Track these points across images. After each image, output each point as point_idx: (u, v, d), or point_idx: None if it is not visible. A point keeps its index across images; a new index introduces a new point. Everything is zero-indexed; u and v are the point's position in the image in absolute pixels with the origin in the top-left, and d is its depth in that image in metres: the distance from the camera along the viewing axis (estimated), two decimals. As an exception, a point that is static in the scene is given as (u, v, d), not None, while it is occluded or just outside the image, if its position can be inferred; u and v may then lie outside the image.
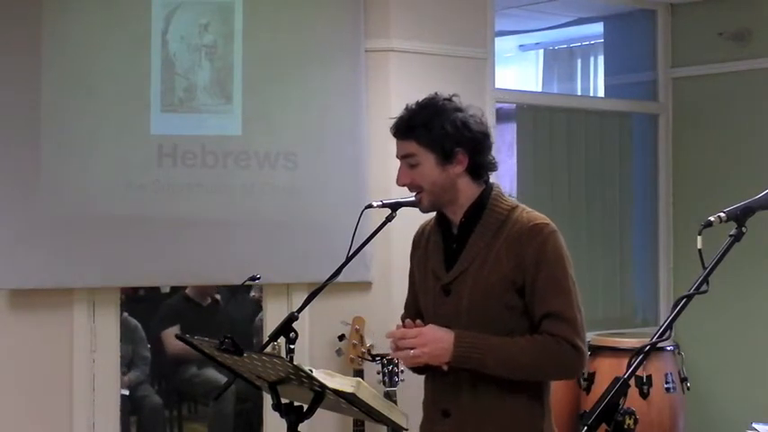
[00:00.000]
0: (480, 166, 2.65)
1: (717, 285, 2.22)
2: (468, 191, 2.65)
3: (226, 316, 6.62)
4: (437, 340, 2.54)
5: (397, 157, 2.67)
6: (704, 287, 2.09)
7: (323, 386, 2.30)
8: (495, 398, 2.60)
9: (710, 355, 5.65)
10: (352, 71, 4.70)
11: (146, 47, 4.45)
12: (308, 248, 4.54)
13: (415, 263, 2.81)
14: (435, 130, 2.58)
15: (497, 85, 5.28)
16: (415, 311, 2.78)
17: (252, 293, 6.62)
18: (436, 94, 2.66)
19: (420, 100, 2.64)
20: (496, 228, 2.61)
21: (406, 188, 2.70)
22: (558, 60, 6.97)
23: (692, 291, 2.08)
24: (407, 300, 2.88)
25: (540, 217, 2.63)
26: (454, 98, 2.65)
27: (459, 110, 2.62)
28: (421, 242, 2.80)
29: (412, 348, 2.55)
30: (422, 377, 2.78)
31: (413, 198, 2.79)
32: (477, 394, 2.60)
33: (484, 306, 2.58)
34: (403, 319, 2.80)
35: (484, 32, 5.16)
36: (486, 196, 2.66)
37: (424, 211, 2.70)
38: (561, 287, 2.56)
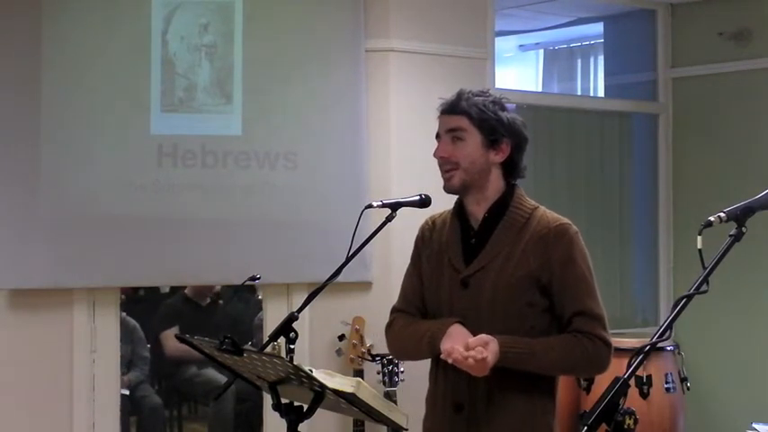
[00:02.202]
0: (515, 165, 2.72)
1: (717, 285, 2.22)
2: (496, 184, 2.70)
3: (225, 316, 6.62)
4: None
5: (440, 132, 2.71)
6: (704, 287, 2.09)
7: (323, 386, 2.30)
8: (511, 393, 2.62)
9: (710, 355, 5.65)
10: (352, 71, 4.70)
11: (146, 47, 4.45)
12: (308, 248, 4.54)
13: (425, 256, 2.79)
14: (489, 114, 2.66)
15: (497, 85, 5.27)
16: (416, 306, 2.77)
17: (258, 295, 6.59)
18: (489, 90, 2.76)
19: (475, 90, 2.72)
20: (520, 226, 2.65)
21: (439, 162, 2.71)
22: (558, 60, 6.96)
23: (692, 291, 2.09)
24: (407, 291, 2.83)
25: (562, 218, 2.70)
26: (503, 100, 2.75)
27: (508, 111, 2.72)
28: (433, 235, 2.79)
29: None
30: (421, 375, 2.78)
31: (413, 198, 2.80)
32: (494, 389, 2.62)
33: (507, 301, 2.61)
34: (395, 310, 2.81)
35: (484, 32, 5.16)
36: (510, 195, 2.71)
37: (450, 190, 2.70)
38: (589, 286, 2.65)
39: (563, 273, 2.62)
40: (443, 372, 2.71)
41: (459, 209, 2.75)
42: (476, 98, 2.68)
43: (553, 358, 2.58)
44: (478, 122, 2.65)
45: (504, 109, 2.70)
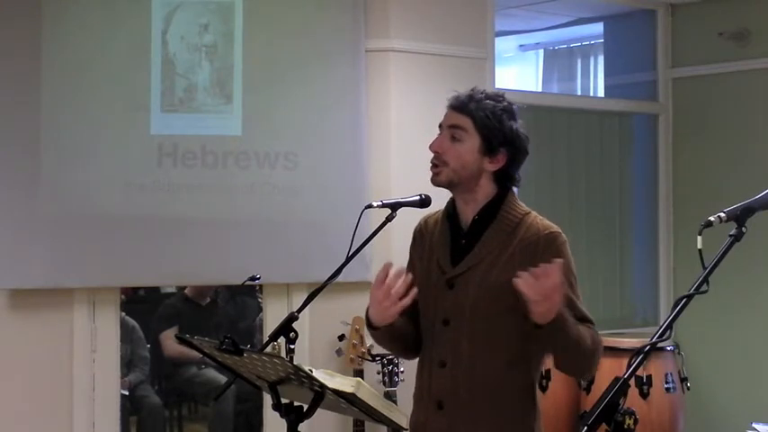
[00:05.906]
0: (508, 176, 2.70)
1: (717, 285, 2.22)
2: (486, 188, 2.68)
3: (225, 316, 6.62)
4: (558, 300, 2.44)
5: (442, 125, 2.70)
6: (704, 287, 2.09)
7: (323, 386, 2.30)
8: (490, 393, 2.62)
9: (710, 355, 5.65)
10: (352, 71, 4.70)
11: (146, 47, 4.46)
12: (308, 248, 4.54)
13: (416, 255, 2.80)
14: (494, 122, 2.64)
15: (497, 85, 5.27)
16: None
17: (258, 295, 6.58)
18: (504, 95, 2.72)
19: (490, 92, 2.70)
20: (510, 230, 2.64)
21: (432, 157, 2.69)
22: (558, 60, 6.97)
23: (691, 291, 2.09)
24: None
25: (553, 225, 2.68)
26: (515, 107, 2.72)
27: (517, 121, 2.69)
28: (425, 235, 2.80)
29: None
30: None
31: (413, 198, 2.80)
32: (474, 389, 2.62)
33: (490, 304, 2.60)
34: None
35: (484, 32, 5.16)
36: (502, 198, 2.69)
37: (436, 184, 2.69)
38: (577, 294, 2.63)
39: None
40: (428, 368, 2.72)
41: (451, 209, 2.76)
42: (486, 102, 2.65)
43: (577, 333, 2.50)
44: (481, 128, 2.64)
45: (512, 119, 2.67)
